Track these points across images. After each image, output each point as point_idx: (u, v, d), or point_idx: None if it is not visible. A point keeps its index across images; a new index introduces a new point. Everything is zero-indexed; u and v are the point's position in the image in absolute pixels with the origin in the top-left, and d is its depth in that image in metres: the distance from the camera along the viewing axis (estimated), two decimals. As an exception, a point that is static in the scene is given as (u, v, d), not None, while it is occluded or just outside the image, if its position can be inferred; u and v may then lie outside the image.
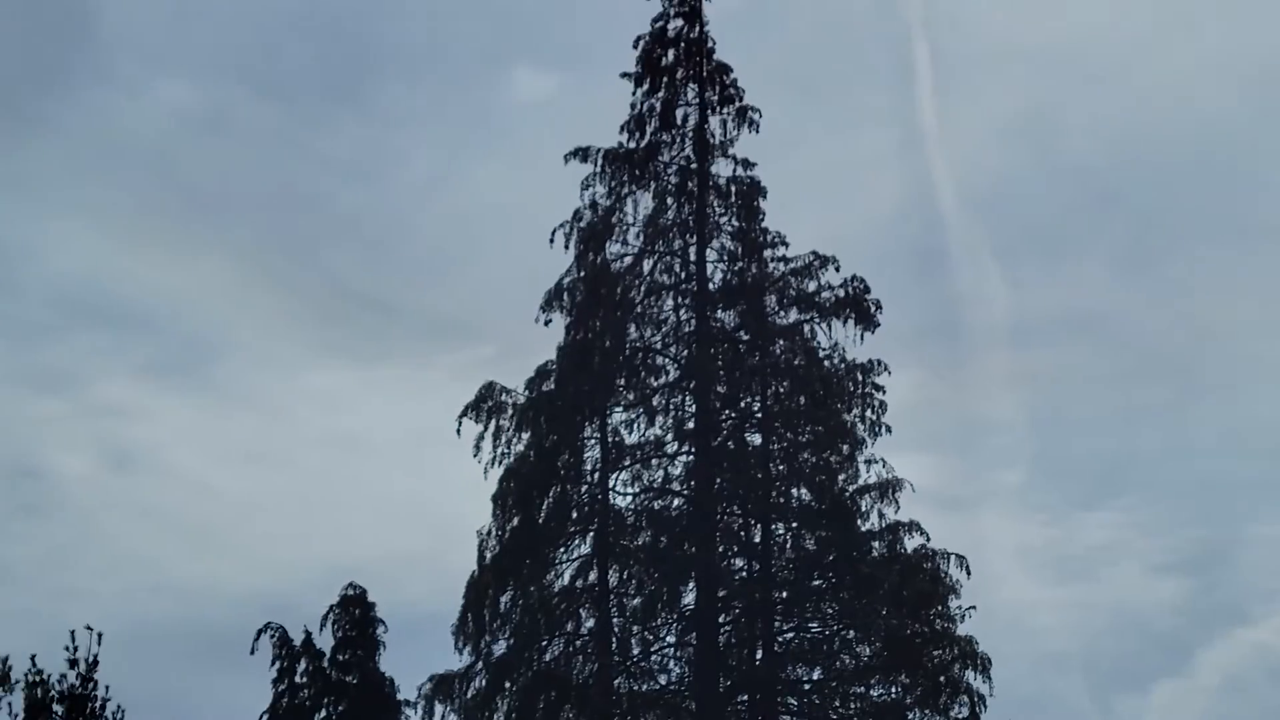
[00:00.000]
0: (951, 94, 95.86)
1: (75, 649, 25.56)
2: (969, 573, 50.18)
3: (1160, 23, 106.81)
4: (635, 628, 50.47)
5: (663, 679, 50.55)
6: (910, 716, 49.64)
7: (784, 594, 51.10)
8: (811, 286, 51.76)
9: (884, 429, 51.05)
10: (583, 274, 51.81)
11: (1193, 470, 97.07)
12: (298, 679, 49.28)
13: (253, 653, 48.77)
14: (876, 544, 50.61)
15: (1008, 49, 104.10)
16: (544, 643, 50.53)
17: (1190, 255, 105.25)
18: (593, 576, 50.71)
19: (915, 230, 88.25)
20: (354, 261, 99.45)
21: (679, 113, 52.80)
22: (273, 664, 49.00)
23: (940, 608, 49.96)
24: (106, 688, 25.72)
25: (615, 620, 50.42)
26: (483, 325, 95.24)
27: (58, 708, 25.59)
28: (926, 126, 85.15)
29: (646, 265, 52.21)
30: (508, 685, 49.89)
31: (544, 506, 50.95)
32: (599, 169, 52.24)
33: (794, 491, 51.46)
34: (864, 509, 50.68)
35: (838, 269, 51.64)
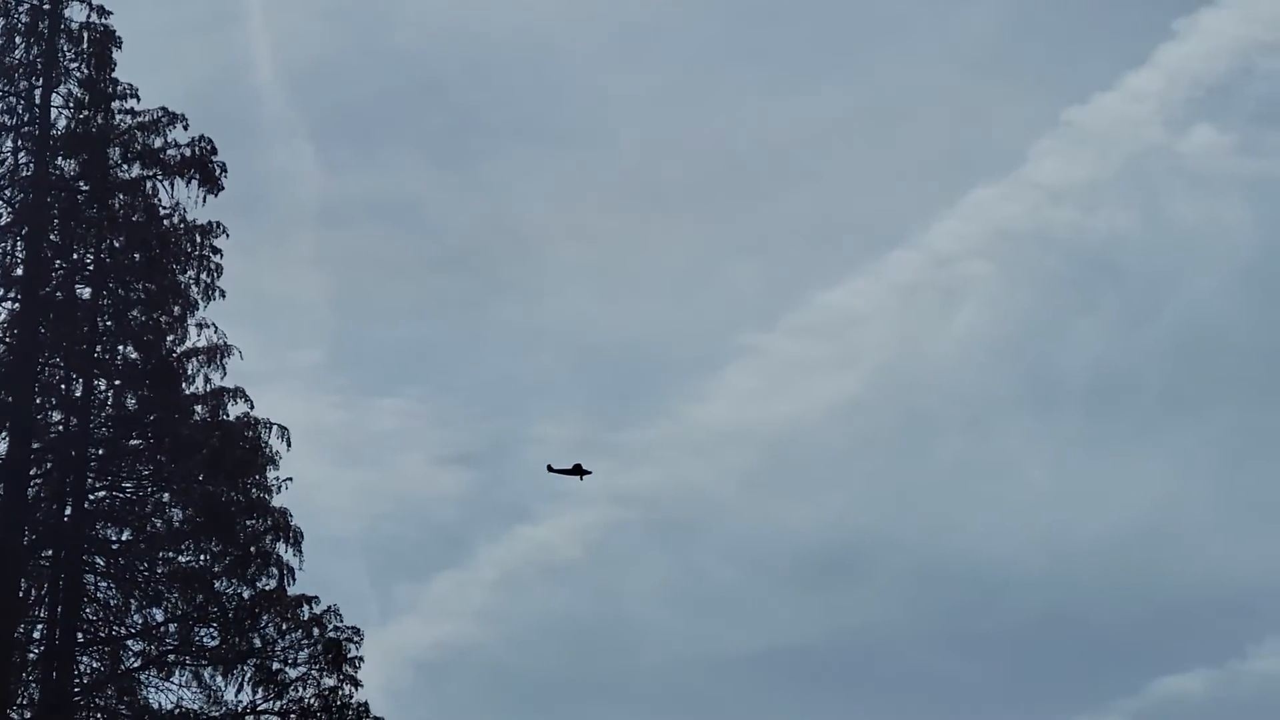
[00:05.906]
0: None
1: None
2: (290, 444, 50.41)
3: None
4: (-58, 474, 48.75)
5: (-33, 533, 48.97)
6: (218, 584, 49.52)
7: (100, 451, 50.23)
8: (158, 143, 51.00)
9: (218, 293, 50.70)
10: (-85, 107, 49.83)
11: (486, 366, 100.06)
12: None
13: None
14: (200, 408, 50.26)
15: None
16: None
17: (502, 155, 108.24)
18: (-100, 420, 48.83)
19: (228, 103, 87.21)
20: None
21: (36, -50, 51.16)
22: None
23: (258, 477, 49.96)
24: None
25: (-79, 467, 48.60)
26: None
27: None
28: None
29: (-12, 105, 50.45)
30: None
31: None
32: (-58, -1, 50.30)
33: (120, 349, 50.61)
34: (190, 372, 50.26)
35: (186, 128, 51.03)
